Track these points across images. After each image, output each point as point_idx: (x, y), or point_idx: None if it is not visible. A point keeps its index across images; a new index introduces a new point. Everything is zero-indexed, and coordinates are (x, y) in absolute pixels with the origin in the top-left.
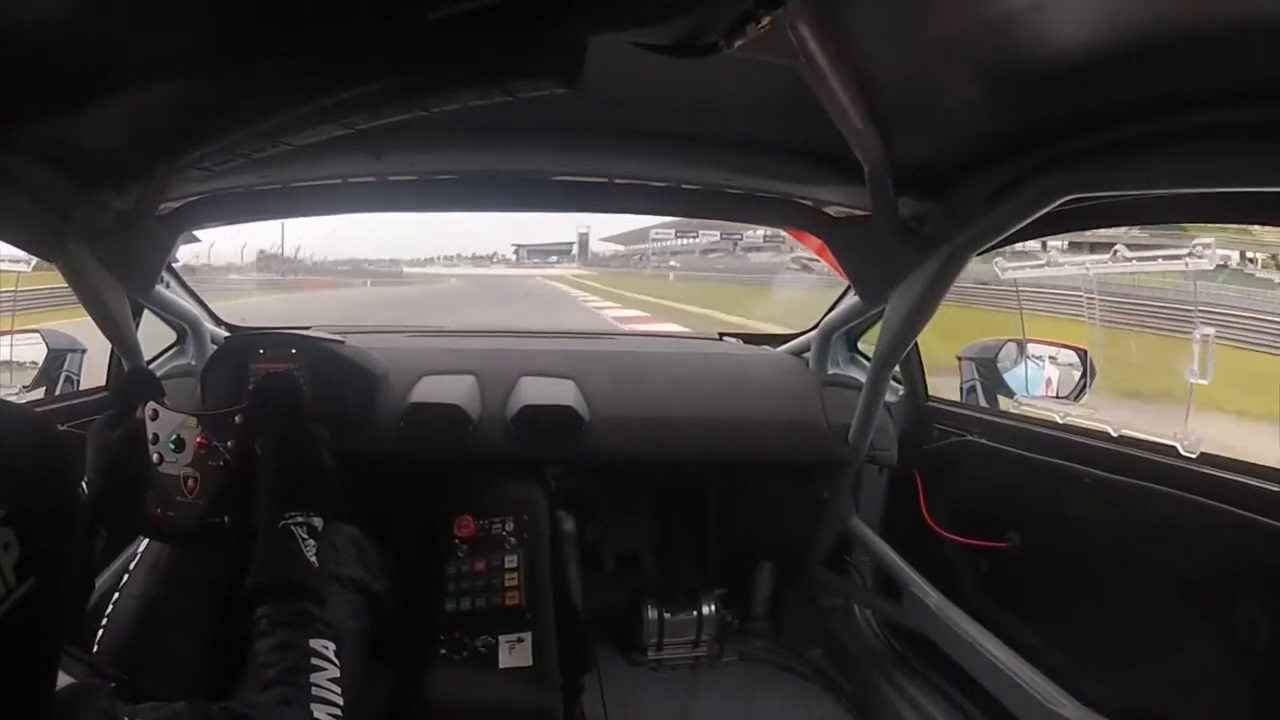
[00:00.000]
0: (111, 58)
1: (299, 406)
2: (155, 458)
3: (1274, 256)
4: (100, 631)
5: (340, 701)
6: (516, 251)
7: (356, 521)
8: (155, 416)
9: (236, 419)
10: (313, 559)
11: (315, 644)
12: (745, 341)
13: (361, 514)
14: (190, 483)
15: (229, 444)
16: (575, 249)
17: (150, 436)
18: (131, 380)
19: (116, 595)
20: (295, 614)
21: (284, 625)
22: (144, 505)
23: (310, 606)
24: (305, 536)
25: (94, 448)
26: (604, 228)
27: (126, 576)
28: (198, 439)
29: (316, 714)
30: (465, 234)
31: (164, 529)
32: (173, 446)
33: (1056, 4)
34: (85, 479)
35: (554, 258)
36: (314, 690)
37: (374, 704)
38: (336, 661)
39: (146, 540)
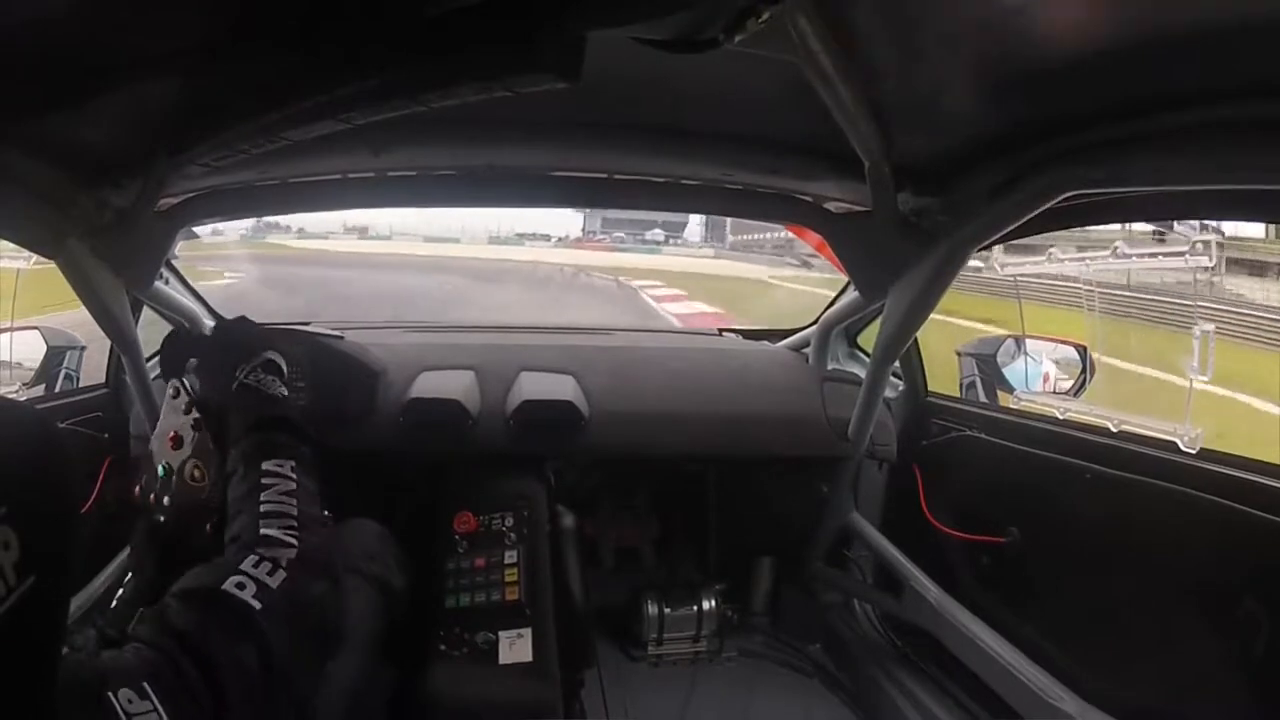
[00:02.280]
0: (110, 54)
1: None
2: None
3: None
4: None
5: (295, 513)
6: (584, 223)
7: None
8: (176, 395)
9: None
10: (280, 392)
11: (267, 465)
12: (745, 337)
13: (361, 510)
14: (196, 473)
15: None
16: (703, 227)
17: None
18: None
19: (122, 591)
20: (257, 445)
21: (243, 461)
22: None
23: (274, 434)
24: (263, 374)
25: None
26: None
27: (130, 575)
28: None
29: (266, 530)
30: None
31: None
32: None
33: None
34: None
35: (656, 231)
36: (262, 508)
37: (374, 700)
38: (293, 476)
39: None
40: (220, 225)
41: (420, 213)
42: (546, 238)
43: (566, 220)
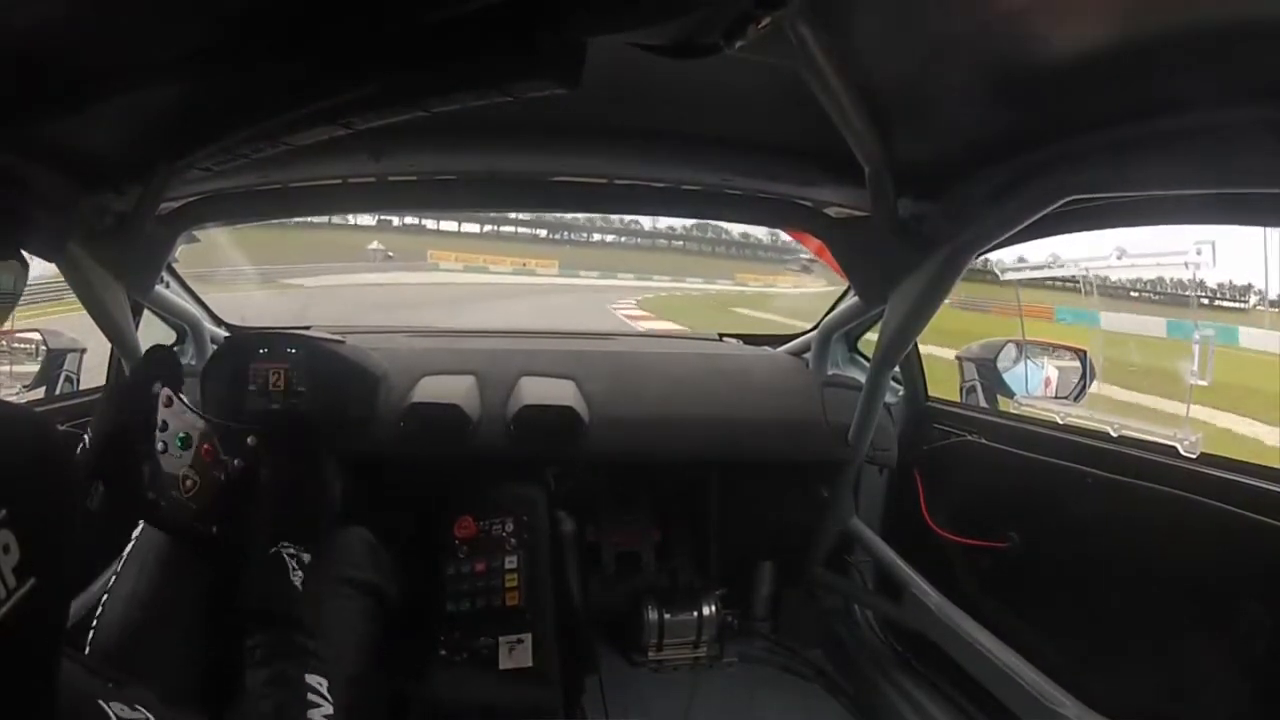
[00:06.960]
0: (112, 59)
1: (317, 443)
2: (160, 445)
3: None
4: (91, 633)
5: None
6: None
7: (356, 523)
8: (169, 404)
9: (250, 440)
10: (299, 581)
11: (310, 679)
12: (745, 342)
13: (362, 515)
14: (189, 483)
15: (236, 462)
16: None
17: (159, 422)
18: (155, 359)
19: (106, 596)
20: (288, 645)
21: (277, 657)
22: (141, 480)
23: (304, 639)
24: (295, 568)
25: (104, 403)
26: None
27: (114, 577)
28: (205, 446)
29: None
30: None
31: (154, 515)
32: (179, 443)
33: (1058, 3)
34: (88, 434)
35: None
36: None
37: (374, 706)
38: (330, 698)
39: (133, 541)
40: None
41: None
42: None
43: None
